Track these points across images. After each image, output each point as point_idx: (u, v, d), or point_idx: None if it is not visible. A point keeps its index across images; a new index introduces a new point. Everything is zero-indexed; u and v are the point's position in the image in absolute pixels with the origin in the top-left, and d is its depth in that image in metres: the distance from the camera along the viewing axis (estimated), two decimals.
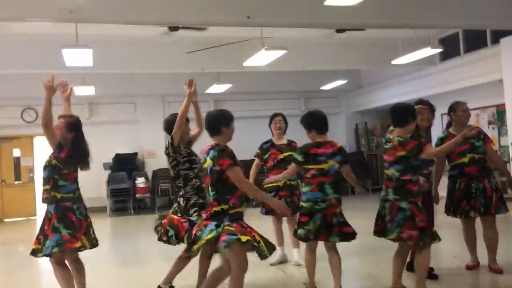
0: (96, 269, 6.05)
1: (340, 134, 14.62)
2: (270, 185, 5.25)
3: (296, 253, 5.42)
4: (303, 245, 5.23)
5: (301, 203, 4.20)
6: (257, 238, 3.49)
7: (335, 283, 4.08)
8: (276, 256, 5.46)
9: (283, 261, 5.53)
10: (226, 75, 11.22)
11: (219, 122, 3.68)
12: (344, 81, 12.65)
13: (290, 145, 5.46)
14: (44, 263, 7.14)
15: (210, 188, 3.57)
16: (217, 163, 3.51)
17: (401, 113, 4.14)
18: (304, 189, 4.20)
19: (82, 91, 10.76)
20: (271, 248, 3.59)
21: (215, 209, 3.51)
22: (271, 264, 5.39)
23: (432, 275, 4.59)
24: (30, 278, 5.82)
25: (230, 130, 3.71)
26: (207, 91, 12.10)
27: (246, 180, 3.67)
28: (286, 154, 5.35)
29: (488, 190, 4.73)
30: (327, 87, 13.15)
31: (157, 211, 11.76)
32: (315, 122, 4.32)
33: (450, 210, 4.90)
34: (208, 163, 3.58)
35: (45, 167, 4.07)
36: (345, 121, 14.63)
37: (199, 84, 12.98)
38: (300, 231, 4.15)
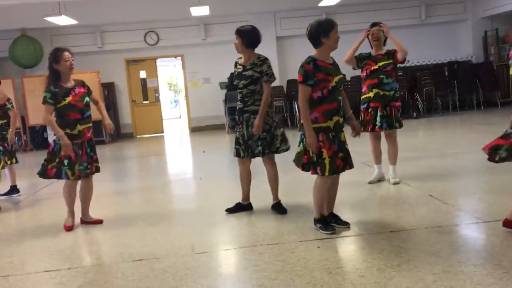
0: (217, 184, 6.54)
1: (465, 43, 13.42)
2: (363, 96, 5.13)
3: (392, 170, 5.23)
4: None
5: None
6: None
7: None
8: (374, 174, 5.37)
9: (380, 179, 5.35)
10: None
11: (318, 33, 3.59)
12: None
13: (388, 53, 5.06)
14: (172, 173, 7.95)
15: None
16: None
17: None
18: None
19: (197, 11, 11.04)
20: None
21: None
22: (369, 182, 5.27)
23: None
24: (162, 185, 6.52)
25: (331, 40, 3.58)
26: (320, 4, 11.68)
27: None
28: (380, 63, 5.01)
29: None
30: None
31: None
32: None
33: None
34: None
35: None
36: (472, 29, 13.29)
37: None
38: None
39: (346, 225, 3.85)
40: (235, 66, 4.45)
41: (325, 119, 3.60)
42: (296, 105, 11.67)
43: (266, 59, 4.32)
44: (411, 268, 2.98)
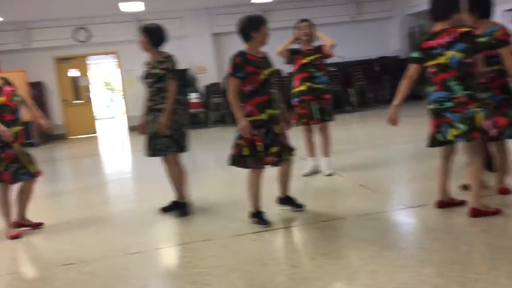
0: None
1: (394, 39, 14.00)
2: (295, 89, 5.22)
3: (325, 162, 5.35)
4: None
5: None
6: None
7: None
8: (308, 167, 5.45)
9: (315, 171, 5.43)
10: None
11: (248, 28, 3.64)
12: None
13: (317, 48, 5.21)
14: (108, 173, 7.73)
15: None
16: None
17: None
18: (429, 89, 3.64)
19: (129, 7, 10.76)
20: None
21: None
22: (304, 175, 5.33)
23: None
24: (97, 186, 6.32)
25: (261, 35, 3.65)
26: (253, 0, 11.76)
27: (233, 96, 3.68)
28: (310, 58, 5.16)
29: None
30: None
31: (210, 125, 12.10)
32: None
33: None
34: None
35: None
36: (399, 25, 13.90)
37: None
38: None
39: (300, 207, 3.98)
40: (146, 65, 4.33)
41: (258, 111, 3.64)
42: None
43: (170, 56, 4.24)
44: (341, 255, 3.08)
